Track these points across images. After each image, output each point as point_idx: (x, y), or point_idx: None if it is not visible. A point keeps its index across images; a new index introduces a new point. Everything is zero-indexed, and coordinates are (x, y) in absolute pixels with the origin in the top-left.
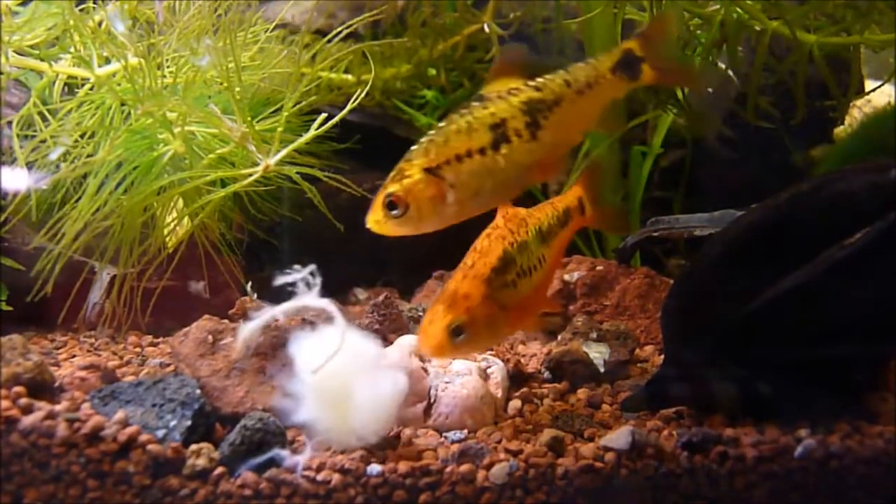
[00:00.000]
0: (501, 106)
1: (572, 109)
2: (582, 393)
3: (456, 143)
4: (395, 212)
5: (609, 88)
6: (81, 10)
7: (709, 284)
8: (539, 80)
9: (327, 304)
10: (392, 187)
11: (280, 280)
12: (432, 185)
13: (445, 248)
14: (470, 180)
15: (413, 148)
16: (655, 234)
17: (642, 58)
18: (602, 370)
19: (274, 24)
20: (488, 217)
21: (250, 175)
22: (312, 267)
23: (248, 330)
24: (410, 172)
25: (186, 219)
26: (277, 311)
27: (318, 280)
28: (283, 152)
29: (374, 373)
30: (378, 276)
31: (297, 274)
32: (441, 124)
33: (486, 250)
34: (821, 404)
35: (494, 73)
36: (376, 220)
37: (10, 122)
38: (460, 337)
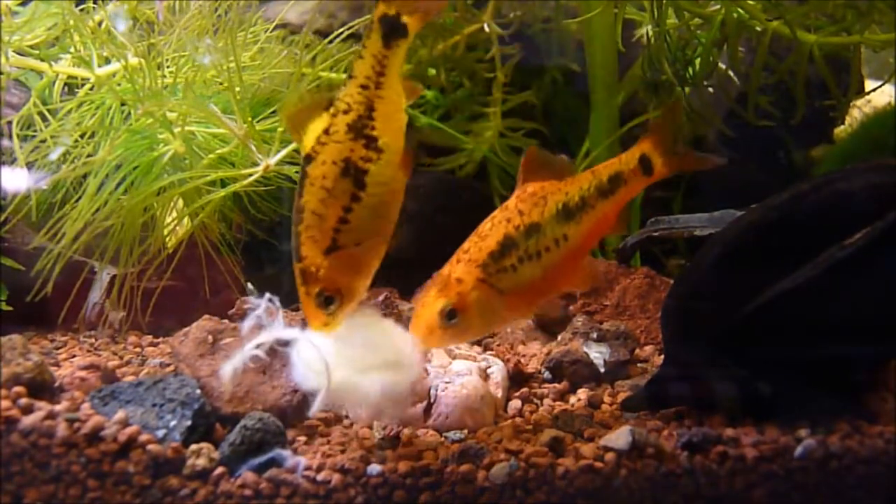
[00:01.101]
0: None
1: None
2: (582, 393)
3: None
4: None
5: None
6: (81, 10)
7: (709, 284)
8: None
9: (298, 333)
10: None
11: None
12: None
13: (445, 248)
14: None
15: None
16: (655, 233)
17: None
18: (602, 370)
19: (274, 24)
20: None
21: (250, 175)
22: (269, 296)
23: (228, 373)
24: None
25: (186, 219)
26: (249, 350)
27: (279, 306)
28: (284, 152)
29: (398, 354)
30: (378, 276)
31: (258, 301)
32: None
33: (485, 234)
34: (821, 404)
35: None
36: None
37: (10, 122)
38: (453, 321)
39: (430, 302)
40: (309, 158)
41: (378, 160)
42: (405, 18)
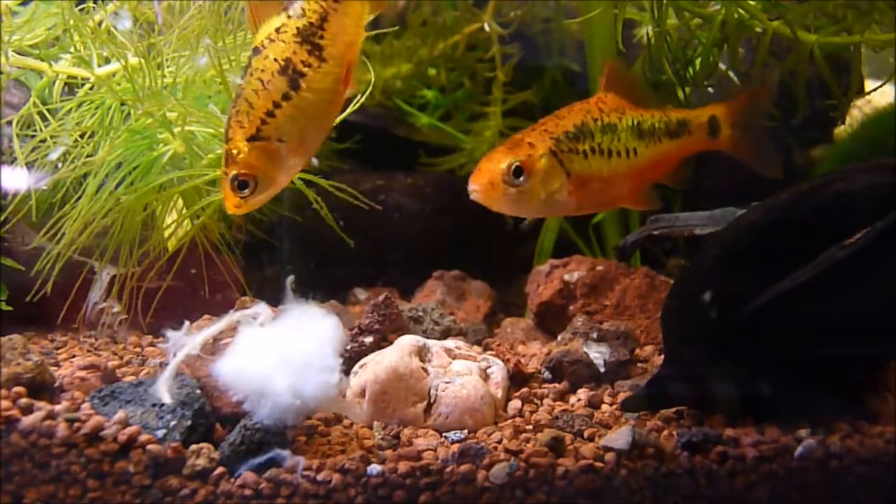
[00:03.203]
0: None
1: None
2: (582, 393)
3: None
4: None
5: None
6: (81, 10)
7: (709, 284)
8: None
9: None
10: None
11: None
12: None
13: (446, 249)
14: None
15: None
16: (656, 232)
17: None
18: (602, 370)
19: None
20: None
21: None
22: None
23: (162, 383)
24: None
25: (187, 219)
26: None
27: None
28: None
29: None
30: (378, 276)
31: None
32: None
33: (563, 116)
34: (821, 404)
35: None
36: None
37: (10, 122)
38: (519, 179)
39: (497, 156)
40: (256, 51)
41: (318, 68)
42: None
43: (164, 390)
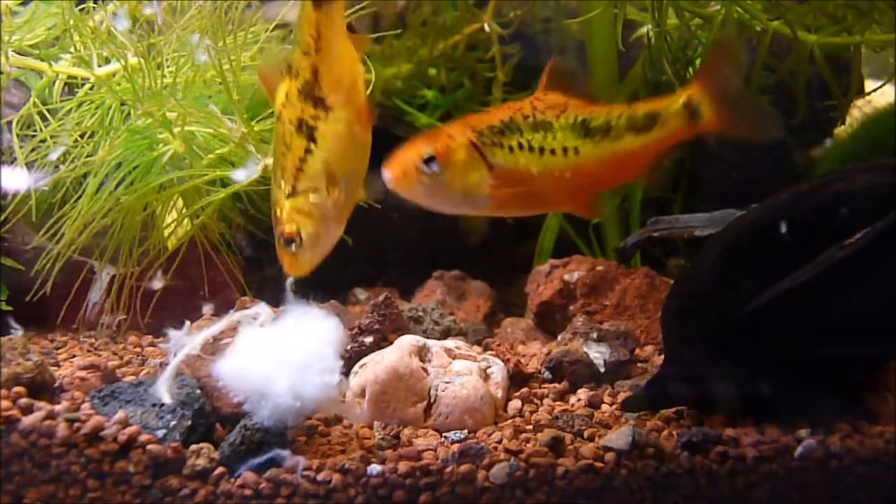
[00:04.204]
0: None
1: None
2: (582, 393)
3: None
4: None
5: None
6: (81, 10)
7: (709, 284)
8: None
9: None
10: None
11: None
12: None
13: (445, 249)
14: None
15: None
16: (655, 234)
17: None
18: (602, 370)
19: (274, 24)
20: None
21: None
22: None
23: (162, 383)
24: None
25: (186, 219)
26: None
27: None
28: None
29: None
30: (378, 276)
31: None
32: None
33: (491, 111)
34: (821, 404)
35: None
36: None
37: (10, 122)
38: (431, 168)
39: (413, 144)
40: (277, 118)
41: (327, 118)
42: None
43: (164, 390)
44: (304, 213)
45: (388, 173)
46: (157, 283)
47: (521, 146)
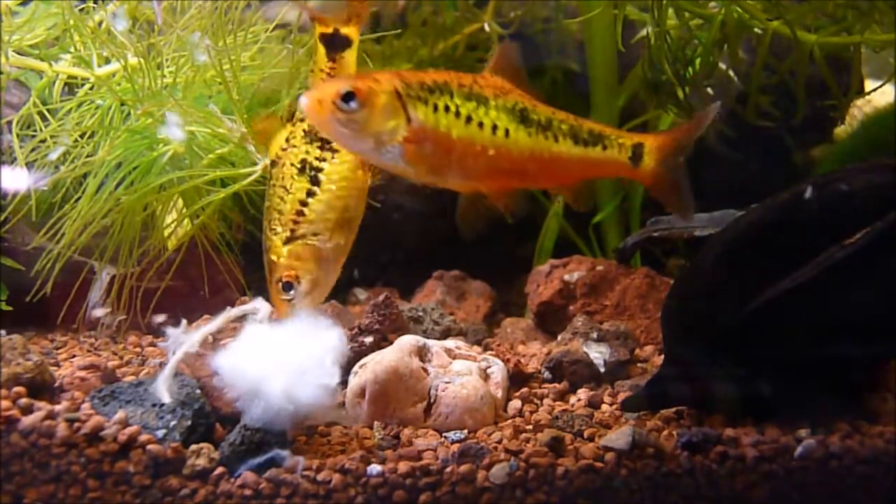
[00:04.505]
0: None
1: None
2: (582, 393)
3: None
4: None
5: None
6: (81, 10)
7: (709, 284)
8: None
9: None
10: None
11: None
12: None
13: (445, 249)
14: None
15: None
16: (655, 234)
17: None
18: (602, 370)
19: (274, 23)
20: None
21: (250, 174)
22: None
23: (161, 382)
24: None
25: (186, 219)
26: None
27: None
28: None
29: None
30: (378, 276)
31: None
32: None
33: (430, 72)
34: (821, 404)
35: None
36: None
37: (10, 122)
38: (349, 105)
39: (336, 81)
40: (273, 164)
41: (333, 160)
42: (344, 31)
43: (163, 389)
44: (304, 258)
45: (305, 101)
46: (158, 284)
47: (447, 108)
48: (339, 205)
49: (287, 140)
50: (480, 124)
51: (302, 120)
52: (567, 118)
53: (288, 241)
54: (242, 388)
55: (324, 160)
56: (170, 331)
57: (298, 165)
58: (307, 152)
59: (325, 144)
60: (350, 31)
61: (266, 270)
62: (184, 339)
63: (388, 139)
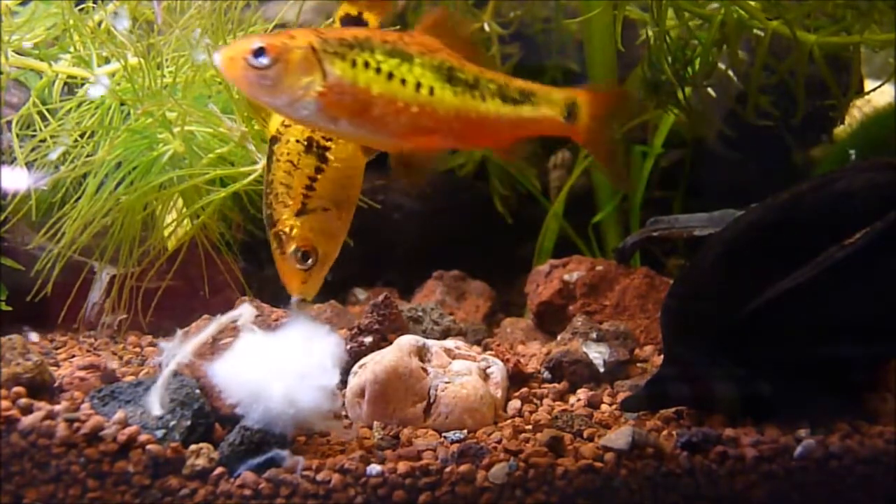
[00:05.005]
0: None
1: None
2: (582, 393)
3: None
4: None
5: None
6: (81, 10)
7: (709, 284)
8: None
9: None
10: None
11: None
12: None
13: (446, 249)
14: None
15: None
16: (655, 234)
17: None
18: (602, 370)
19: (273, 23)
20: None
21: (250, 174)
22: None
23: (154, 394)
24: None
25: (186, 219)
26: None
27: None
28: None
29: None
30: (378, 276)
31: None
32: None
33: (352, 29)
34: (821, 404)
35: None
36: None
37: (9, 122)
38: (261, 60)
39: (252, 36)
40: (274, 140)
41: (336, 142)
42: (366, 16)
43: (155, 401)
44: (317, 231)
45: (218, 57)
46: (158, 284)
47: (367, 64)
48: (343, 182)
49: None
50: (403, 81)
51: None
52: (496, 77)
53: (300, 213)
54: (242, 392)
55: (330, 139)
56: (163, 344)
57: (305, 143)
58: (313, 131)
59: None
60: (371, 18)
61: (274, 243)
62: (176, 352)
63: (302, 94)
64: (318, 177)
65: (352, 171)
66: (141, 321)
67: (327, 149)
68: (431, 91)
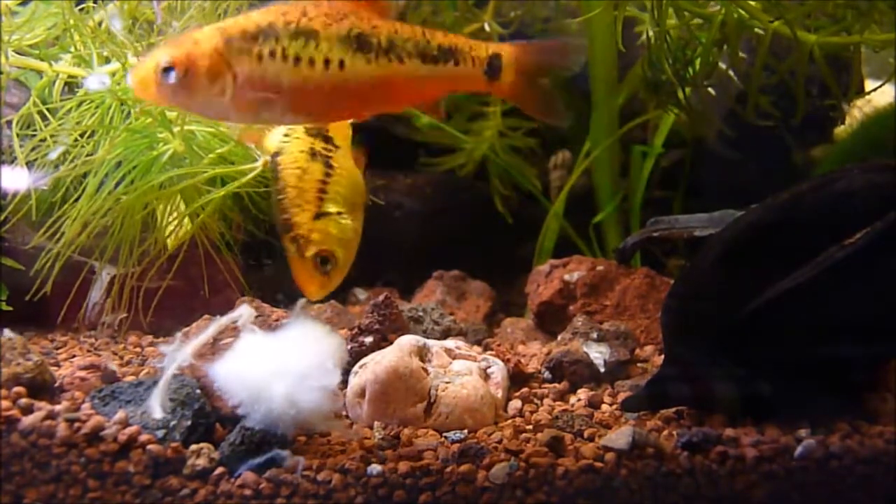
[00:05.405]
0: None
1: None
2: (582, 393)
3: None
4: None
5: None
6: (81, 10)
7: (709, 284)
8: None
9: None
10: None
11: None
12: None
13: (446, 249)
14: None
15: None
16: (655, 234)
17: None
18: (602, 370)
19: None
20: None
21: (250, 171)
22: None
23: (154, 398)
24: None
25: (186, 219)
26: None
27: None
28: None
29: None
30: (378, 276)
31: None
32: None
33: (250, 15)
34: (821, 404)
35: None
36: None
37: (9, 122)
38: (169, 78)
39: (158, 51)
40: (277, 154)
41: (336, 152)
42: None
43: (156, 406)
44: (335, 235)
45: (132, 81)
46: (158, 283)
47: (272, 53)
48: (348, 189)
49: (286, 134)
50: (311, 61)
51: None
52: (414, 34)
53: (318, 216)
54: (243, 393)
55: (329, 150)
56: (163, 347)
57: (308, 151)
58: (313, 143)
59: (327, 140)
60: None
61: (290, 248)
62: (176, 357)
63: (217, 97)
64: (328, 179)
65: (354, 181)
66: (142, 321)
67: (330, 156)
68: (342, 64)
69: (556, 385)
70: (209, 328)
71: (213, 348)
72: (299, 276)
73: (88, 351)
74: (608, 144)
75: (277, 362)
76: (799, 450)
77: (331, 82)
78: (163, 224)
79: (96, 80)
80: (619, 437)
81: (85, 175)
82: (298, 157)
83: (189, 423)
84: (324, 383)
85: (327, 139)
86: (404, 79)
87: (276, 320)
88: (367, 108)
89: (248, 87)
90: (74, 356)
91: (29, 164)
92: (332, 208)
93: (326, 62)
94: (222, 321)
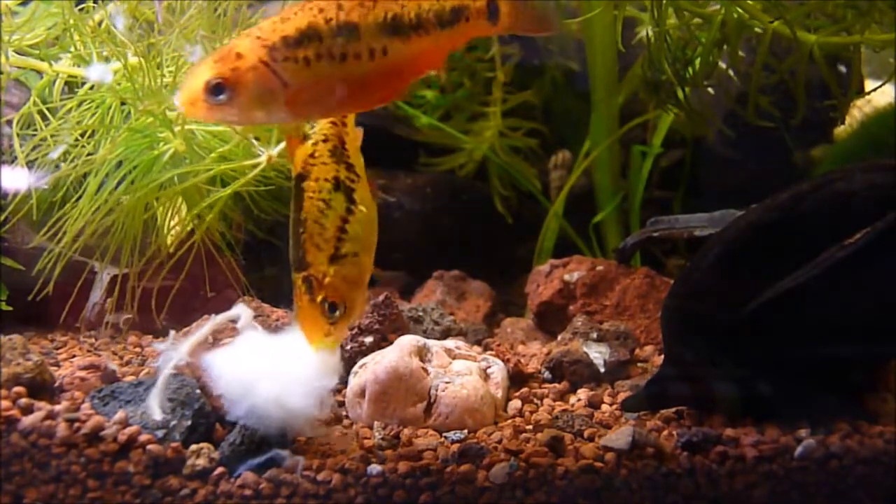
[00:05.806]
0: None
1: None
2: (582, 393)
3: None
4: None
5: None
6: (81, 10)
7: (709, 284)
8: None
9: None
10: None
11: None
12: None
13: (446, 249)
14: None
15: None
16: (655, 234)
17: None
18: (602, 370)
19: None
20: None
21: (254, 168)
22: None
23: (153, 399)
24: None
25: (186, 219)
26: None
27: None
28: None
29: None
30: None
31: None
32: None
33: (287, 17)
34: (821, 404)
35: None
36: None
37: (10, 122)
38: (220, 97)
39: (201, 69)
40: (301, 177)
41: (358, 181)
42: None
43: (155, 406)
44: (348, 280)
45: (180, 104)
46: (158, 284)
47: (318, 56)
48: (367, 226)
49: (312, 156)
50: (357, 55)
51: (325, 141)
52: (431, 2)
53: (333, 258)
54: (227, 388)
55: (353, 181)
56: (159, 346)
57: (333, 182)
58: (337, 171)
59: (349, 168)
60: None
61: (300, 287)
62: (172, 355)
63: (269, 108)
64: (350, 218)
65: (372, 216)
66: (143, 321)
67: (353, 190)
68: (385, 51)
69: (556, 385)
70: (204, 327)
71: (212, 347)
72: (304, 320)
73: (88, 351)
74: (608, 144)
75: (270, 363)
76: (799, 450)
77: (377, 70)
78: (164, 224)
79: (97, 72)
80: (619, 437)
81: (85, 175)
82: (322, 188)
83: (189, 423)
84: (314, 389)
85: (350, 167)
86: (431, 48)
87: (277, 320)
88: (404, 84)
89: (300, 93)
90: (74, 356)
91: (29, 164)
92: (348, 249)
93: (371, 53)
94: (218, 319)
